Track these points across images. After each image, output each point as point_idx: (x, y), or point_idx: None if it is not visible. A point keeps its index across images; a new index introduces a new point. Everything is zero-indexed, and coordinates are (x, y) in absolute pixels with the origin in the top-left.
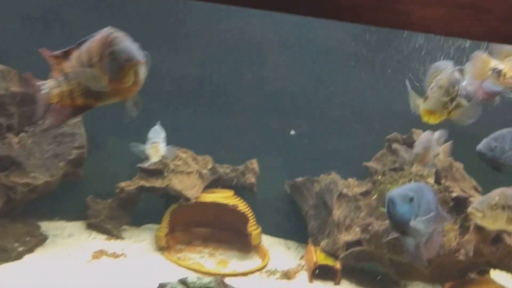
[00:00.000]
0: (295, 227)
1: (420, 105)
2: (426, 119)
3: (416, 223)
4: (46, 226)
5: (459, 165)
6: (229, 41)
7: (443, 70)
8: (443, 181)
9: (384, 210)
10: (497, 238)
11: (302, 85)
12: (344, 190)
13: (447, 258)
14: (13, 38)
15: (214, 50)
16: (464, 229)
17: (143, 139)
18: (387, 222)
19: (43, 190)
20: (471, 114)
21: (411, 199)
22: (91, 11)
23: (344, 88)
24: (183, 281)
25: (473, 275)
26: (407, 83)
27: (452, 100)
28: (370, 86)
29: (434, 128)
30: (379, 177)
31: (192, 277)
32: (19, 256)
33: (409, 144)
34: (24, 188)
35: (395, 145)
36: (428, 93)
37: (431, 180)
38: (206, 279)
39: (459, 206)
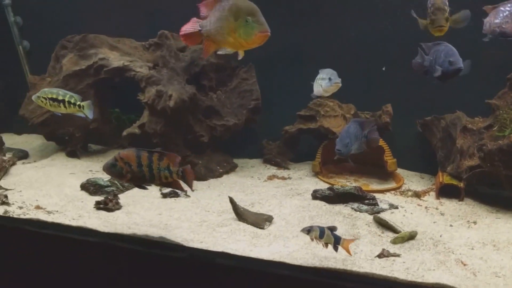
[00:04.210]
0: (429, 162)
1: (427, 26)
2: (438, 34)
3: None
4: (236, 161)
5: None
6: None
7: None
8: None
9: (501, 133)
10: None
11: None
12: (469, 125)
13: None
14: None
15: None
16: None
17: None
18: (499, 142)
19: (233, 130)
20: (463, 19)
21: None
22: None
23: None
24: (330, 188)
25: None
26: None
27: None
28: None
29: None
30: (501, 111)
31: (337, 186)
32: (220, 175)
33: None
34: (222, 128)
35: None
36: (432, 17)
37: None
38: (348, 187)
39: None
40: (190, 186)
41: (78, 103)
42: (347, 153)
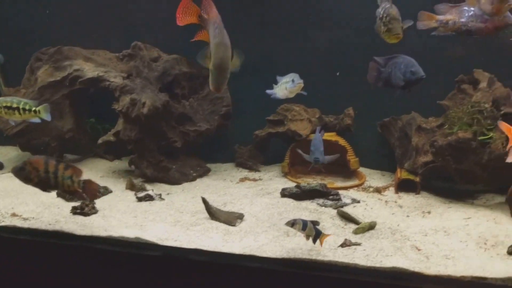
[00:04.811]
0: (389, 160)
1: (383, 33)
2: (394, 41)
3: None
4: (209, 165)
5: None
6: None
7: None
8: (502, 107)
9: (451, 131)
10: None
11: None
12: (423, 125)
13: (498, 162)
14: None
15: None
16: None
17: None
18: (448, 138)
19: (206, 135)
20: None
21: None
22: None
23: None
24: (297, 186)
25: None
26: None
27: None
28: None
29: None
30: (451, 111)
31: (303, 184)
32: (194, 178)
33: (474, 82)
34: (194, 133)
35: (463, 85)
36: (388, 26)
37: (486, 105)
38: (313, 184)
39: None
40: (90, 198)
41: (34, 108)
42: (324, 160)
